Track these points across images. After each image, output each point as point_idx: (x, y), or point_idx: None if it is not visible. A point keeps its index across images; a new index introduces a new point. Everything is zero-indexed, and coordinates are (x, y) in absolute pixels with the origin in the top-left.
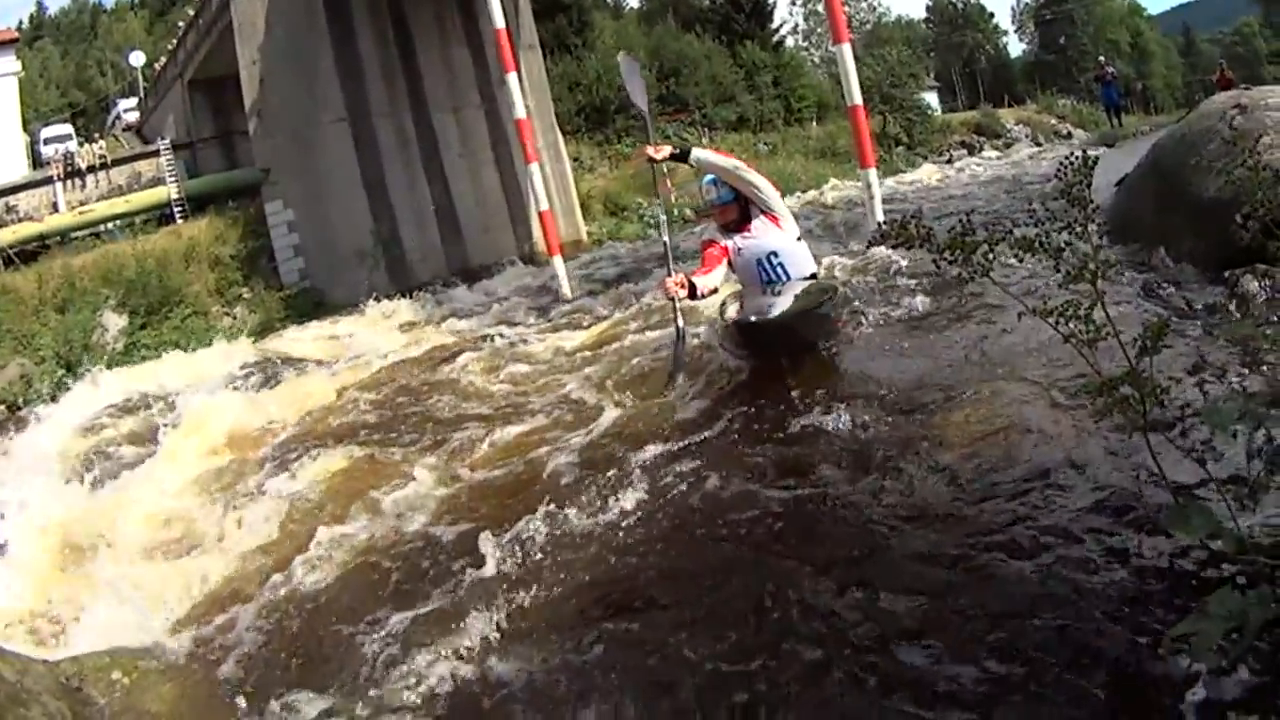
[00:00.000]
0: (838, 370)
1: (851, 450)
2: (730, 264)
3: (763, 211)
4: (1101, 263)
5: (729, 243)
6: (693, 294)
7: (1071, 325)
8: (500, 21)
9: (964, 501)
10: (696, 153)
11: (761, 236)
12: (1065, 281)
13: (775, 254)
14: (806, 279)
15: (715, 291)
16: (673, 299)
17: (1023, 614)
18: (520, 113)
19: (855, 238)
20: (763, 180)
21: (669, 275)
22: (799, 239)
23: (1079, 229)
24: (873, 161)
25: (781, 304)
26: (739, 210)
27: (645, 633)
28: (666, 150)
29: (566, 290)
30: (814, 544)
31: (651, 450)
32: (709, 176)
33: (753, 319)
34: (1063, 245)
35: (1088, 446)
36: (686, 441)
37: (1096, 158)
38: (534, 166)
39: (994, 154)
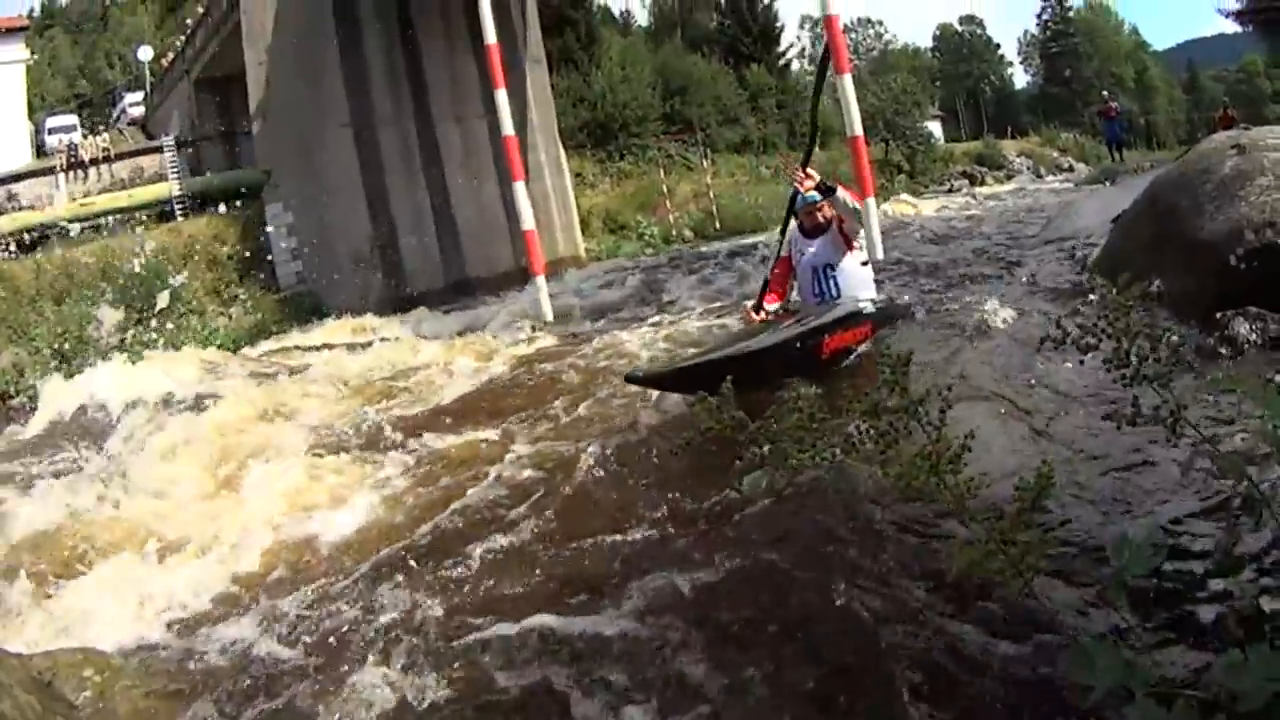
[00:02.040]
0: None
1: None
2: (794, 271)
3: (843, 235)
4: (949, 455)
5: (794, 251)
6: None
7: (930, 479)
8: (492, 38)
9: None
10: (840, 194)
11: (824, 251)
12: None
13: (831, 267)
14: (859, 301)
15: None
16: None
17: None
18: (508, 130)
19: None
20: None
21: (749, 305)
22: (864, 264)
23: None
24: (872, 192)
25: (767, 336)
26: (825, 217)
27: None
28: (813, 182)
29: (548, 312)
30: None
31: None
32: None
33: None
34: (888, 445)
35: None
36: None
37: (910, 353)
38: (519, 185)
39: (987, 188)
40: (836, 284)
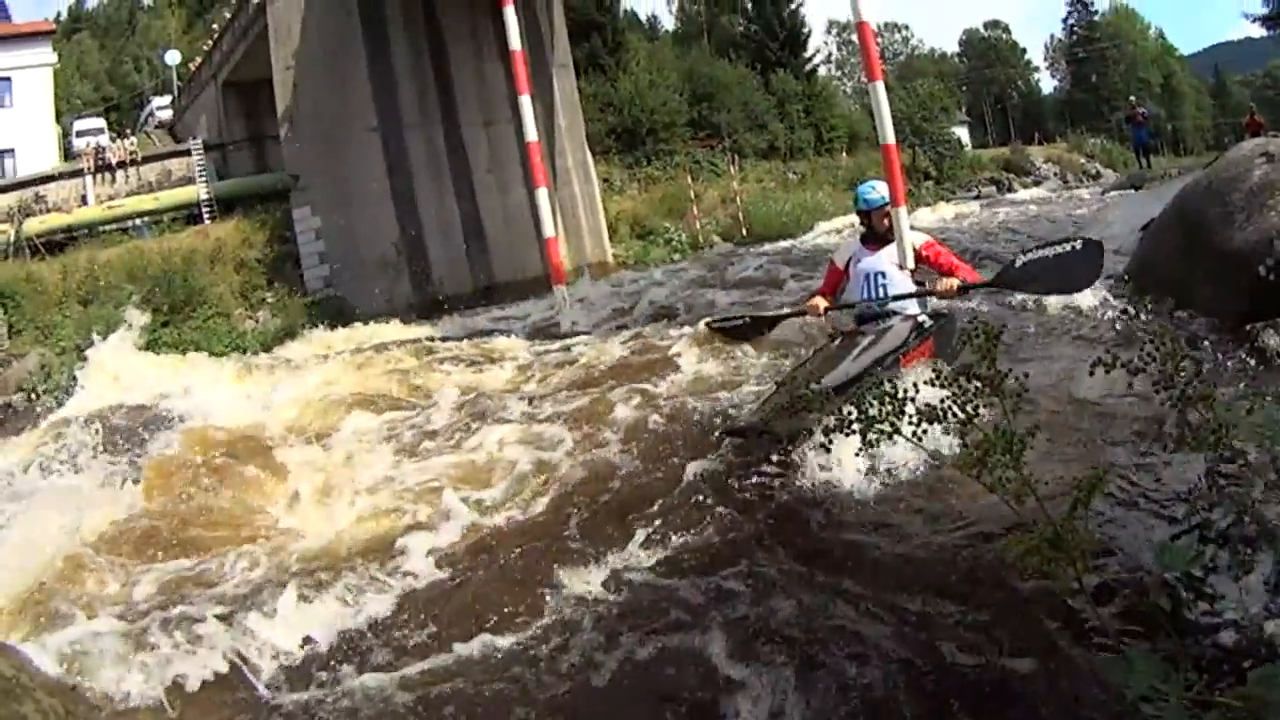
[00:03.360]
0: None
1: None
2: (846, 275)
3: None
4: (1020, 436)
5: (850, 257)
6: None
7: (997, 474)
8: (516, 44)
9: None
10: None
11: (880, 258)
12: (969, 464)
13: (884, 274)
14: (906, 317)
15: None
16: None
17: None
18: (531, 135)
19: None
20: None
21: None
22: (907, 272)
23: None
24: (903, 201)
25: (848, 365)
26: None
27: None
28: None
29: (566, 322)
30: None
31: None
32: (871, 184)
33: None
34: (970, 415)
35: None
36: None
37: (1003, 327)
38: (542, 191)
39: (1015, 194)
40: (886, 290)
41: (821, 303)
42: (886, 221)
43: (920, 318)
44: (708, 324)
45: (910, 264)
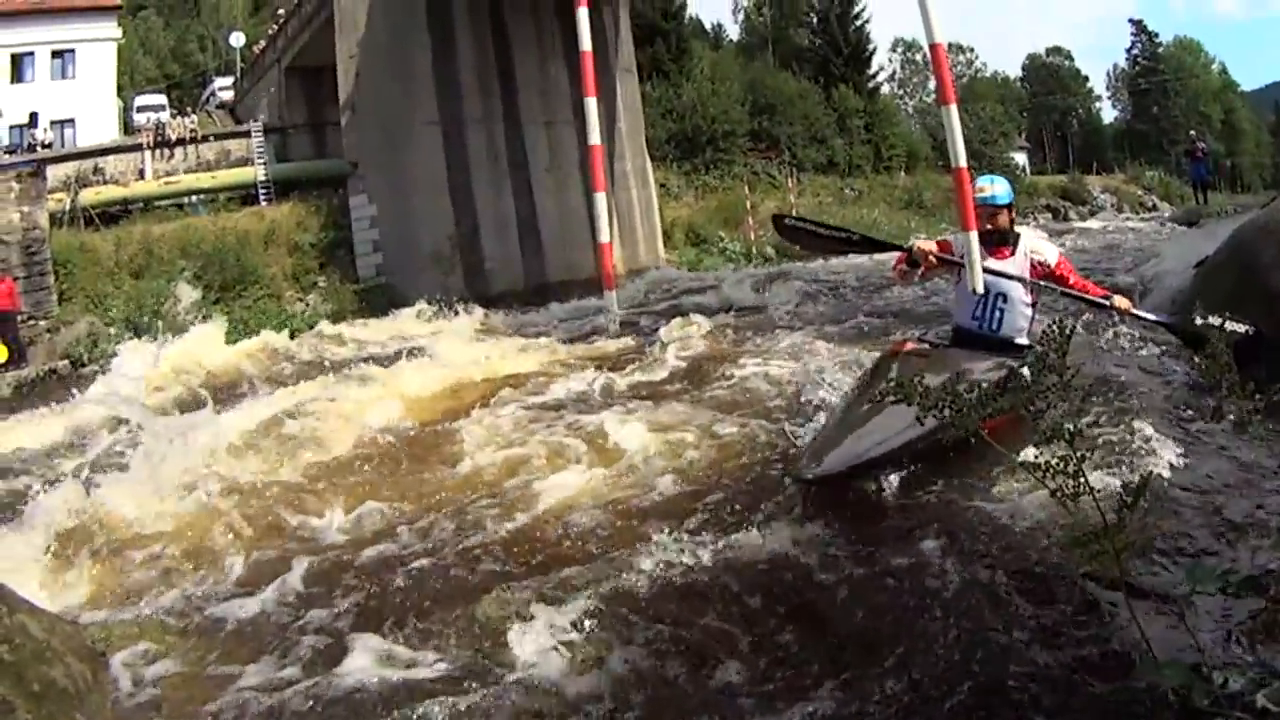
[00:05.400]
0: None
1: None
2: (959, 275)
3: (1033, 266)
4: (1078, 430)
5: (961, 255)
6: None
7: (1057, 480)
8: (587, 44)
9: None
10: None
11: (1008, 272)
12: (1040, 441)
13: (1005, 297)
14: (1013, 347)
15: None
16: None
17: None
18: (595, 139)
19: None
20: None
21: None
22: (1030, 308)
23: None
24: (974, 225)
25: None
26: (1002, 225)
27: None
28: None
29: (615, 325)
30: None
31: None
32: (989, 176)
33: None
34: (1040, 410)
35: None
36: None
37: (1074, 327)
38: (600, 196)
39: (1073, 224)
40: (1002, 318)
41: (934, 248)
42: (1006, 218)
43: (1013, 363)
44: (775, 218)
45: (980, 289)
